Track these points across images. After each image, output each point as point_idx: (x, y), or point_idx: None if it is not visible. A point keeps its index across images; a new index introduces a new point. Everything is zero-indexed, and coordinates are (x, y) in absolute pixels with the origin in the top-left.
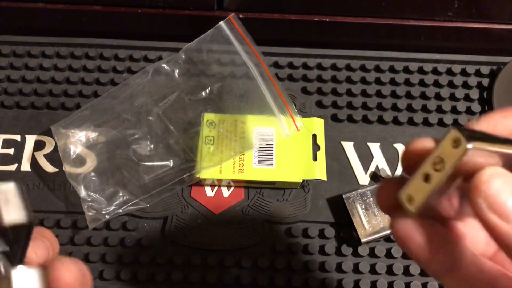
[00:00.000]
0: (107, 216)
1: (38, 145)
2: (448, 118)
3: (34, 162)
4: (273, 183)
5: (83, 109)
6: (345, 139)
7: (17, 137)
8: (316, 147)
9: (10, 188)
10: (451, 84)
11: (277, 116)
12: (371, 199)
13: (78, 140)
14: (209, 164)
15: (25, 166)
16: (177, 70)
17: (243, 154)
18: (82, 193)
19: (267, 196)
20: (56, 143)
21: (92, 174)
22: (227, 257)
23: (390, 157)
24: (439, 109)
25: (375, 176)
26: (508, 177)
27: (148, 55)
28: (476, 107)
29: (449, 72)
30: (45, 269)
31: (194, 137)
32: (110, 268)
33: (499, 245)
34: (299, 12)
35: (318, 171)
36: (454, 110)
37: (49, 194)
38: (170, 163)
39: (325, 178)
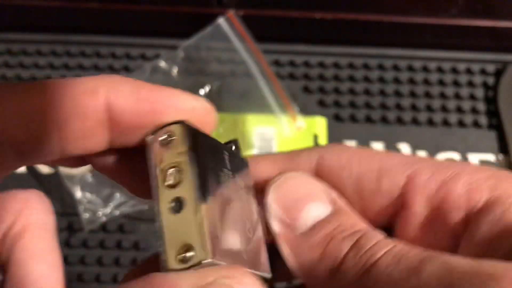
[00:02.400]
0: (103, 218)
1: None
2: (452, 118)
3: None
4: None
5: None
6: (347, 138)
7: None
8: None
9: None
10: (455, 83)
11: (278, 115)
12: None
13: None
14: None
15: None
16: (175, 68)
17: None
18: (78, 194)
19: None
20: None
21: (89, 175)
22: None
23: None
24: (443, 108)
25: None
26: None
27: (146, 53)
28: (480, 106)
29: (454, 70)
30: None
31: None
32: (107, 271)
33: None
34: (300, 9)
35: None
36: (458, 109)
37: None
38: None
39: None
